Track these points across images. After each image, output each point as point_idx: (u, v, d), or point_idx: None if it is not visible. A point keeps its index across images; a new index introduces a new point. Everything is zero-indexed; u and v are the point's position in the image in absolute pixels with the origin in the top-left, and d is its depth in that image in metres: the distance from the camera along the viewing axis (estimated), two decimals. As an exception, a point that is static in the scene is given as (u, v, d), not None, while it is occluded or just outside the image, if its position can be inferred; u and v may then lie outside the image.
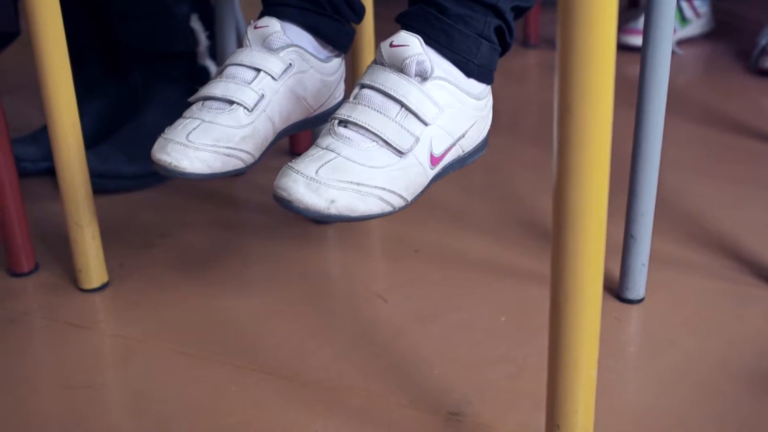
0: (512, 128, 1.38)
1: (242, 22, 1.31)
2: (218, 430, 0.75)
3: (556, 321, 0.60)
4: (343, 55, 0.93)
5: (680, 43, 1.79)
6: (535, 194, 1.15)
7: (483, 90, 0.80)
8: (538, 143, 1.33)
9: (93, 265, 0.96)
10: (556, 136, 0.55)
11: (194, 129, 0.81)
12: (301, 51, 0.87)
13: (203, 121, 0.82)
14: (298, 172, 0.72)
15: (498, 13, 0.77)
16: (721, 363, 0.81)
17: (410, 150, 0.75)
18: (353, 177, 0.72)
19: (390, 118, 0.75)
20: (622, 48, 1.70)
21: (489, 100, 0.82)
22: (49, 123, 0.90)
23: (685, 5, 1.79)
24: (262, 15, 0.88)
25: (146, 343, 0.88)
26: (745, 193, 1.14)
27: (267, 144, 0.86)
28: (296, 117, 0.89)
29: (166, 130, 0.83)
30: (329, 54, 0.91)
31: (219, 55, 1.28)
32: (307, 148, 0.79)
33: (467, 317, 0.90)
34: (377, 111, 0.75)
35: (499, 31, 0.78)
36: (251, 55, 0.86)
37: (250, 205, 1.17)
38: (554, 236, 0.57)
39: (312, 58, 0.88)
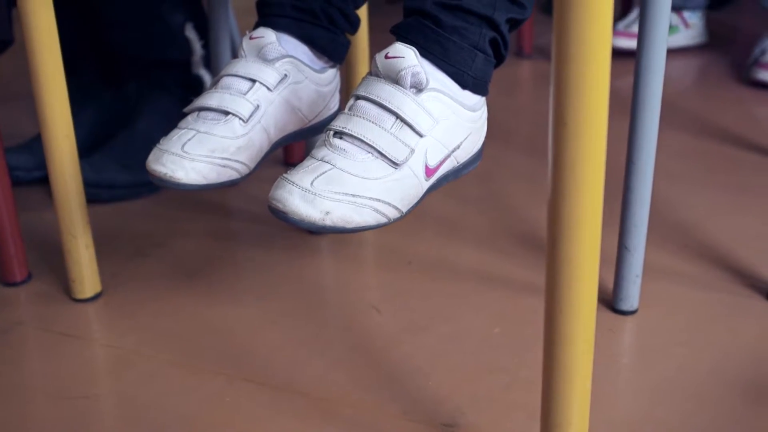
0: (506, 139, 1.39)
1: (236, 31, 1.31)
2: (212, 441, 0.75)
3: (550, 332, 0.60)
4: (338, 66, 0.93)
5: (669, 52, 1.78)
6: (529, 205, 1.15)
7: (478, 101, 0.81)
8: (532, 154, 1.33)
9: (86, 275, 0.95)
10: (551, 149, 0.55)
11: (189, 140, 0.81)
12: (296, 62, 0.87)
13: (198, 131, 0.82)
14: (293, 183, 0.72)
15: (493, 25, 0.77)
16: (715, 373, 0.81)
17: (405, 161, 0.75)
18: (348, 188, 0.72)
19: (385, 130, 0.75)
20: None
21: (484, 112, 0.82)
22: (42, 132, 0.90)
23: (672, 15, 1.79)
24: (257, 25, 0.89)
25: (140, 353, 0.87)
26: (739, 204, 1.14)
27: (262, 155, 0.86)
28: (291, 128, 0.89)
29: (161, 141, 0.83)
30: (324, 65, 0.91)
31: (213, 65, 1.28)
32: (300, 159, 0.79)
33: (461, 328, 0.90)
34: (372, 122, 0.75)
35: (494, 43, 0.79)
36: (246, 65, 0.86)
37: (243, 215, 1.16)
38: (549, 247, 0.58)
39: (307, 69, 0.88)
